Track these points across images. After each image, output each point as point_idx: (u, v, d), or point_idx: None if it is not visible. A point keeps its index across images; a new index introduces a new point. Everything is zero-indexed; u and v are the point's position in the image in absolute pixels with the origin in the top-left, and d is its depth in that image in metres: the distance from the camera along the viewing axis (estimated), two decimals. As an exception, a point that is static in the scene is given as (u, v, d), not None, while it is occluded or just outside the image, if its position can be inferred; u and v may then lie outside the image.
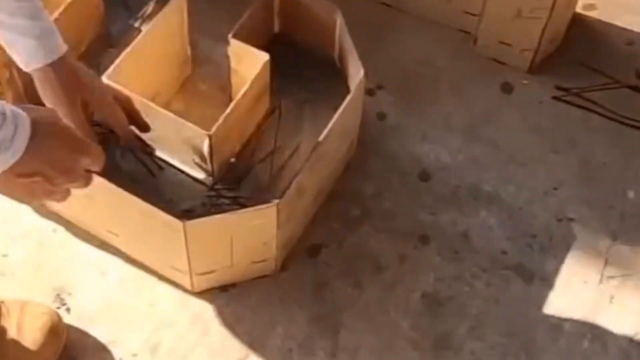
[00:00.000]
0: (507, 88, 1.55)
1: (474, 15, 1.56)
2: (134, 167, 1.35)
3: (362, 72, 1.31)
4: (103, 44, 1.48)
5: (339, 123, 1.27)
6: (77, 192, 1.24)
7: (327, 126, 1.26)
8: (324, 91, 1.45)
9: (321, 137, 1.24)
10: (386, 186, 1.42)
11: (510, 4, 1.47)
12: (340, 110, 1.27)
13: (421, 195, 1.42)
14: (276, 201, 1.18)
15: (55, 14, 1.34)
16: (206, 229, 1.19)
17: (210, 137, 1.25)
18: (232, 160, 1.34)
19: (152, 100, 1.33)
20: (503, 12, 1.48)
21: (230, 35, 1.34)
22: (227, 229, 1.20)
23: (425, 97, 1.53)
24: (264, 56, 1.32)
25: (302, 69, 1.46)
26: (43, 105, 1.10)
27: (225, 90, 1.46)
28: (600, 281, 1.34)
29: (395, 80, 1.54)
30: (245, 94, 1.29)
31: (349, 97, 1.28)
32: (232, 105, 1.28)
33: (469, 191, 1.43)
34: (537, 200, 1.41)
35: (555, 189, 1.43)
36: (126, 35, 1.49)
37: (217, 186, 1.33)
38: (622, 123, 1.50)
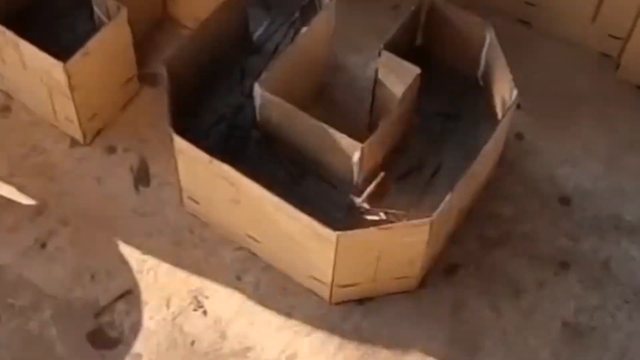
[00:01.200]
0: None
1: (618, 38, 1.52)
2: (276, 173, 1.34)
3: (515, 93, 1.28)
4: (244, 49, 1.47)
5: (489, 147, 1.25)
6: (223, 196, 1.25)
7: (469, 144, 1.24)
8: (466, 108, 1.43)
9: (479, 157, 1.22)
10: (525, 209, 1.39)
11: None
12: (497, 131, 1.24)
13: (561, 220, 1.39)
14: (430, 218, 1.16)
15: (206, 16, 1.34)
16: (357, 242, 1.17)
17: (362, 148, 1.23)
18: (382, 174, 1.32)
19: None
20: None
21: (381, 47, 1.32)
22: (378, 243, 1.18)
23: (564, 119, 1.50)
24: (415, 70, 1.30)
25: (444, 84, 1.44)
26: None
27: (362, 101, 1.45)
28: None
29: (533, 101, 1.51)
30: (397, 107, 1.27)
31: (505, 118, 1.26)
32: (385, 118, 1.26)
33: (611, 220, 1.39)
34: (682, 234, 1.38)
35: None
36: (269, 42, 1.47)
37: (362, 199, 1.31)
38: None
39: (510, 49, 1.52)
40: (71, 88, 1.33)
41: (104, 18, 1.37)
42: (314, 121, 1.27)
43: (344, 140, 1.25)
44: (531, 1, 1.55)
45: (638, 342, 1.28)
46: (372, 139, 1.24)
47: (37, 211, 1.38)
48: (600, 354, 1.27)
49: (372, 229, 1.16)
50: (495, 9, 1.56)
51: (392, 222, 1.24)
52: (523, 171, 1.43)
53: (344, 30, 1.49)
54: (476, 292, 1.31)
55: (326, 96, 1.49)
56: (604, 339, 1.28)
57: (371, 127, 1.41)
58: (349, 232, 1.16)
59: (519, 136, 1.47)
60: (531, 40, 1.59)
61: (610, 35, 1.53)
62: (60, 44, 1.40)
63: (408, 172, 1.36)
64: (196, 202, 1.33)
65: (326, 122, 1.29)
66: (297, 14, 1.46)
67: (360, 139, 1.27)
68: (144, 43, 1.50)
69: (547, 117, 1.50)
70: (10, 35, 1.33)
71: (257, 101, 1.32)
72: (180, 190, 1.34)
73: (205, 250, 1.34)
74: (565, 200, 1.41)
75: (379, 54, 1.33)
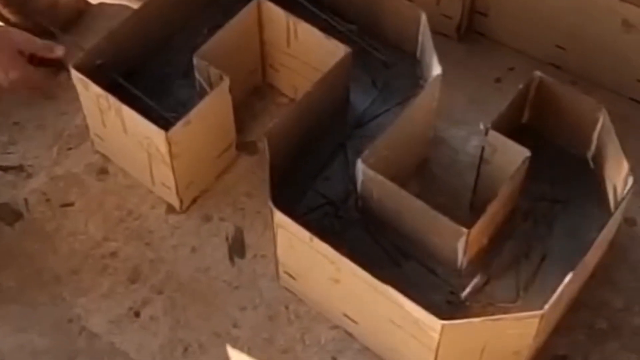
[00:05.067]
0: None
1: None
2: (376, 253, 1.31)
3: (631, 181, 1.22)
4: (347, 123, 1.44)
5: (604, 234, 1.19)
6: (322, 274, 1.22)
7: (578, 231, 1.19)
8: (575, 192, 1.37)
9: (591, 249, 1.16)
10: (637, 300, 1.33)
11: None
12: (610, 222, 1.19)
13: (674, 312, 1.32)
14: (540, 312, 1.11)
15: (310, 88, 1.32)
16: (462, 333, 1.13)
17: (467, 234, 1.19)
18: (488, 262, 1.27)
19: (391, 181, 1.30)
20: None
21: (488, 126, 1.29)
22: (483, 335, 1.14)
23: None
24: (525, 152, 1.26)
25: (551, 165, 1.39)
26: None
27: (463, 177, 1.41)
28: None
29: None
30: (504, 189, 1.23)
31: (621, 205, 1.20)
32: (492, 202, 1.22)
33: None
34: None
35: None
36: (372, 118, 1.45)
37: (466, 292, 1.26)
38: None
39: (622, 128, 1.47)
40: (172, 156, 1.33)
41: (205, 86, 1.36)
42: (417, 202, 1.23)
43: (448, 225, 1.21)
44: (646, 78, 1.50)
45: None
46: (478, 224, 1.20)
47: (132, 278, 1.37)
48: None
49: (478, 320, 1.12)
50: (607, 86, 1.51)
51: (497, 312, 1.19)
52: (635, 259, 1.36)
53: (444, 102, 1.46)
54: (585, 388, 1.25)
55: (426, 171, 1.46)
56: None
57: (473, 206, 1.37)
58: (455, 322, 1.11)
59: (631, 222, 1.41)
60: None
61: None
62: (161, 109, 1.40)
63: (514, 259, 1.30)
64: (293, 278, 1.30)
65: (426, 198, 1.25)
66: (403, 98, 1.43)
67: (462, 219, 1.23)
68: (242, 110, 1.49)
69: None
70: (113, 100, 1.34)
71: (359, 177, 1.29)
72: (277, 263, 1.32)
73: (300, 327, 1.31)
74: (680, 293, 1.34)
75: (486, 133, 1.29)
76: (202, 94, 1.37)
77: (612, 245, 1.36)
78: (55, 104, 1.56)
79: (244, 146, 1.49)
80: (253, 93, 1.54)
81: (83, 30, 1.64)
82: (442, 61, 1.33)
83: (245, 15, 1.40)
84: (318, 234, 1.20)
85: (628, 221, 1.41)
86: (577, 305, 1.31)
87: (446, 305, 1.26)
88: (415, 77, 1.43)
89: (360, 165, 1.26)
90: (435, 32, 1.40)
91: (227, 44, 1.38)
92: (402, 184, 1.37)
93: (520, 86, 1.34)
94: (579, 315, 1.30)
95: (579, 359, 1.27)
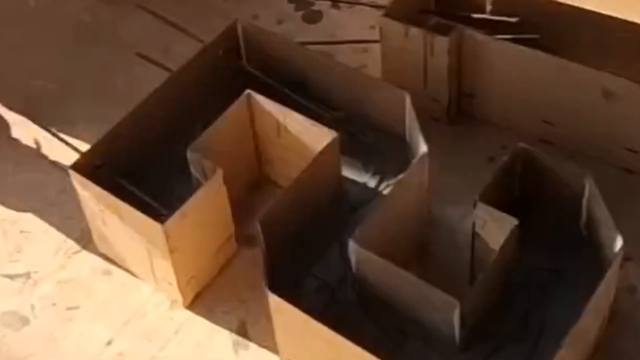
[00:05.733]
0: None
1: None
2: (376, 335, 1.31)
3: (620, 244, 1.23)
4: (342, 208, 1.47)
5: (596, 299, 1.19)
6: (323, 357, 1.21)
7: (576, 300, 1.18)
8: (570, 262, 1.37)
9: (583, 313, 1.16)
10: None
11: None
12: (601, 285, 1.18)
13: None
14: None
15: (299, 173, 1.35)
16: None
17: (462, 305, 1.19)
18: (487, 337, 1.27)
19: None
20: None
21: (476, 198, 1.30)
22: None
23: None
24: (512, 221, 1.27)
25: (545, 236, 1.39)
26: None
27: (462, 255, 1.41)
28: None
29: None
30: (495, 260, 1.24)
31: (609, 272, 1.20)
32: (482, 274, 1.22)
33: None
34: None
35: None
36: (366, 202, 1.47)
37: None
38: None
39: (613, 197, 1.47)
40: (170, 250, 1.35)
41: (201, 179, 1.40)
42: (409, 276, 1.24)
43: (441, 297, 1.21)
44: (633, 148, 1.51)
45: None
46: (470, 295, 1.20)
47: (138, 377, 1.37)
48: None
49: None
50: (599, 158, 1.52)
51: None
52: (638, 328, 1.35)
53: (439, 183, 1.48)
54: None
55: (425, 252, 1.46)
56: None
57: (472, 282, 1.37)
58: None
59: (631, 289, 1.40)
60: (636, 188, 1.53)
61: None
62: (160, 206, 1.43)
63: (512, 332, 1.30)
64: (295, 364, 1.30)
65: (427, 279, 1.26)
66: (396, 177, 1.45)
67: (461, 296, 1.23)
68: (241, 204, 1.52)
69: None
70: (111, 199, 1.37)
71: (352, 258, 1.30)
72: (279, 352, 1.32)
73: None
74: (686, 356, 1.31)
75: (474, 206, 1.31)
76: (198, 188, 1.40)
77: (615, 314, 1.35)
78: (60, 209, 1.59)
79: (245, 239, 1.51)
80: (252, 188, 1.58)
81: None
82: (434, 144, 1.36)
83: (236, 108, 1.45)
84: (316, 317, 1.20)
85: (629, 289, 1.40)
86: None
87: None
88: (406, 159, 1.46)
89: (352, 245, 1.28)
90: (426, 117, 1.43)
91: (220, 137, 1.43)
92: (403, 266, 1.38)
93: (505, 158, 1.36)
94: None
95: None
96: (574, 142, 1.54)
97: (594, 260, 1.33)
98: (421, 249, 1.46)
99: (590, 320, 1.21)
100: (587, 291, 1.28)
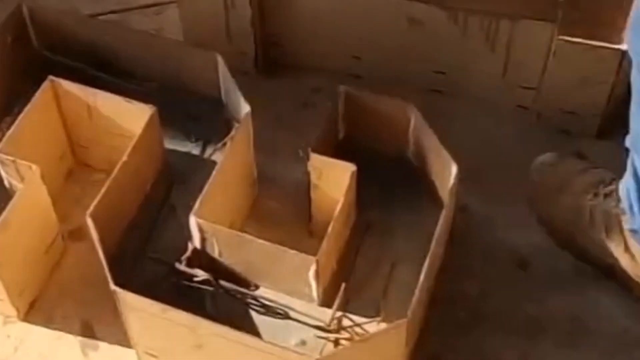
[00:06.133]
0: (579, 156, 1.51)
1: (531, 89, 1.52)
2: (236, 309, 1.28)
3: (454, 169, 1.26)
4: (167, 181, 1.41)
5: (444, 225, 1.22)
6: (184, 343, 1.17)
7: (418, 229, 1.20)
8: (404, 192, 1.40)
9: (434, 244, 1.18)
10: (488, 282, 1.36)
11: (572, 73, 1.43)
12: (445, 211, 1.21)
13: (524, 285, 1.36)
14: (405, 319, 1.11)
15: (124, 157, 1.28)
16: (338, 362, 1.12)
17: (317, 261, 1.18)
18: (343, 285, 1.27)
19: (230, 228, 1.28)
20: (565, 81, 1.45)
21: (309, 151, 1.29)
22: (358, 357, 1.13)
23: (500, 181, 1.48)
24: (350, 167, 1.27)
25: (377, 173, 1.40)
26: None
27: (298, 207, 1.40)
28: None
29: (464, 170, 1.48)
30: (341, 209, 1.23)
31: (451, 197, 1.23)
32: (332, 225, 1.22)
33: (571, 270, 1.37)
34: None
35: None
36: (192, 170, 1.42)
37: (329, 321, 1.25)
38: None
39: (428, 120, 1.51)
40: (-4, 265, 1.24)
41: (16, 183, 1.29)
42: (260, 243, 1.22)
43: (296, 257, 1.20)
44: (441, 70, 1.54)
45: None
46: (323, 249, 1.19)
47: (-17, 404, 1.27)
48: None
49: (350, 344, 1.11)
50: (407, 83, 1.54)
51: (364, 332, 1.19)
52: (476, 243, 1.40)
53: (261, 138, 1.45)
54: (463, 379, 1.27)
55: (260, 210, 1.44)
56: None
57: (313, 233, 1.37)
58: (329, 355, 1.10)
59: (463, 208, 1.44)
60: (448, 108, 1.57)
61: (522, 87, 1.53)
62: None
63: (366, 275, 1.31)
64: (154, 356, 1.25)
65: (266, 237, 1.24)
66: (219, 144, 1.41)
67: (305, 249, 1.22)
68: (60, 198, 1.42)
69: (484, 183, 1.47)
70: None
71: (196, 234, 1.26)
72: (134, 346, 1.26)
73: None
74: (523, 263, 1.39)
75: (308, 158, 1.29)
76: (13, 192, 1.29)
77: (452, 235, 1.39)
78: None
79: (71, 235, 1.41)
80: (68, 178, 1.48)
81: None
82: (248, 99, 1.32)
83: (40, 98, 1.34)
84: (169, 302, 1.15)
85: (461, 209, 1.44)
86: (436, 303, 1.32)
87: (315, 340, 1.24)
88: (226, 121, 1.42)
89: (194, 221, 1.23)
90: (236, 71, 1.38)
91: (28, 133, 1.32)
92: (240, 229, 1.35)
93: (329, 104, 1.35)
94: (441, 311, 1.32)
95: (450, 355, 1.29)
96: (385, 74, 1.55)
97: (428, 188, 1.36)
98: (255, 207, 1.43)
99: (439, 249, 1.24)
100: (426, 219, 1.32)
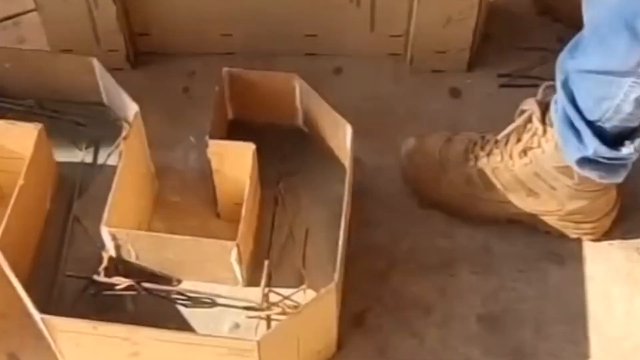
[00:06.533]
0: (455, 93, 1.58)
1: (400, 36, 1.57)
2: (164, 308, 1.29)
3: (349, 128, 1.30)
4: (66, 195, 1.39)
5: (349, 183, 1.26)
6: (118, 354, 1.18)
7: (322, 193, 1.24)
8: (302, 160, 1.43)
9: (344, 205, 1.22)
10: (395, 227, 1.42)
11: (437, 14, 1.48)
12: (349, 170, 1.25)
13: (431, 223, 1.43)
14: (334, 282, 1.15)
15: (20, 181, 1.25)
16: (277, 338, 1.15)
17: (238, 245, 1.21)
18: (266, 262, 1.30)
19: (139, 229, 1.29)
20: (431, 23, 1.50)
21: (206, 138, 1.30)
22: (296, 329, 1.16)
23: (387, 130, 1.52)
24: (250, 146, 1.29)
25: (274, 146, 1.42)
26: None
27: (200, 194, 1.41)
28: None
29: (358, 124, 1.52)
30: (249, 190, 1.25)
31: (350, 156, 1.27)
32: (244, 207, 1.24)
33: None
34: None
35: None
36: (88, 178, 1.41)
37: (261, 301, 1.28)
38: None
39: (314, 84, 1.53)
40: None
41: None
42: (176, 239, 1.23)
43: (216, 245, 1.22)
44: (312, 33, 1.57)
45: (545, 302, 1.34)
46: (241, 232, 1.21)
47: None
48: (519, 329, 1.32)
49: (285, 320, 1.14)
50: (281, 52, 1.56)
51: (294, 304, 1.22)
52: (377, 193, 1.44)
53: (148, 132, 1.44)
54: (391, 328, 1.32)
55: (164, 205, 1.44)
56: (516, 314, 1.33)
57: (220, 216, 1.39)
58: (267, 334, 1.13)
59: (356, 161, 1.47)
60: (323, 68, 1.60)
61: (392, 36, 1.58)
62: None
63: (282, 247, 1.34)
64: (90, 373, 1.25)
65: (173, 230, 1.27)
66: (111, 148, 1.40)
67: (217, 234, 1.24)
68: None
69: (372, 135, 1.46)
70: None
71: (110, 244, 1.25)
72: (68, 366, 1.25)
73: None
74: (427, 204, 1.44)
75: (206, 145, 1.30)
76: None
77: (354, 188, 1.43)
78: None
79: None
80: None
81: None
82: (127, 94, 1.31)
83: None
84: (96, 317, 1.16)
85: (356, 161, 1.48)
86: (350, 258, 1.35)
87: (248, 321, 1.27)
88: (112, 122, 1.40)
89: (106, 231, 1.22)
90: (109, 70, 1.37)
91: None
92: (148, 228, 1.36)
93: (216, 88, 1.35)
94: (358, 265, 1.36)
95: (375, 306, 1.34)
96: (257, 47, 1.57)
97: (325, 152, 1.40)
98: (157, 201, 1.43)
99: (349, 207, 1.28)
100: (330, 181, 1.36)
